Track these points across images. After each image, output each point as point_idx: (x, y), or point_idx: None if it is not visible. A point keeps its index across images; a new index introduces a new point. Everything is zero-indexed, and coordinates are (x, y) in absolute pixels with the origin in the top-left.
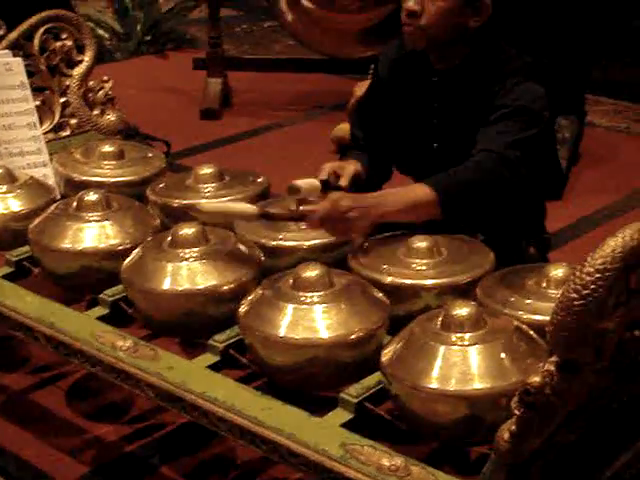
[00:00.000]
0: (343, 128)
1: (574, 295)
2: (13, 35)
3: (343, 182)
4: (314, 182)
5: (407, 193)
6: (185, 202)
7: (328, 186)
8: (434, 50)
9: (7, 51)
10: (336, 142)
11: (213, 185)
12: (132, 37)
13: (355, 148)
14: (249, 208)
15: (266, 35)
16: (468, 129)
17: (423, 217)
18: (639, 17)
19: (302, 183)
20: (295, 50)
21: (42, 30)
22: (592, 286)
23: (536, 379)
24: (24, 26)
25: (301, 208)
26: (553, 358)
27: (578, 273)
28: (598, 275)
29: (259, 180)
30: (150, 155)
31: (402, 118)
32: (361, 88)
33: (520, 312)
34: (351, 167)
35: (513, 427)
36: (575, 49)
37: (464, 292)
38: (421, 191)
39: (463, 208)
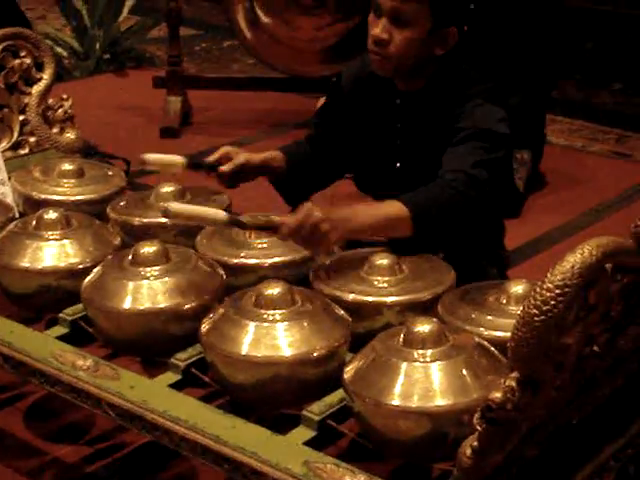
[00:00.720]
0: None
1: (534, 311)
2: None
3: (225, 167)
4: (171, 158)
5: (380, 209)
6: (146, 220)
7: (200, 166)
8: (399, 75)
9: None
10: None
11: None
12: (91, 55)
13: (308, 142)
14: (220, 214)
15: (225, 54)
16: (431, 150)
17: (394, 234)
18: (591, 39)
19: (152, 158)
20: (254, 69)
21: (0, 48)
22: (552, 302)
23: (497, 395)
24: None
25: (273, 218)
26: (514, 374)
27: (538, 289)
28: (558, 291)
29: (220, 198)
30: (110, 173)
31: (364, 137)
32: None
33: (481, 328)
34: (243, 156)
35: (475, 443)
36: (533, 73)
37: (425, 309)
38: (394, 208)
39: (433, 226)
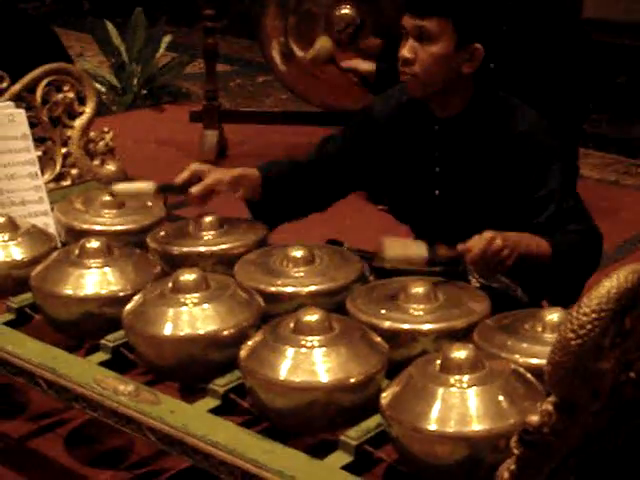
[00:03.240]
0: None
1: (571, 335)
2: (16, 87)
3: (194, 189)
4: (140, 185)
5: (536, 242)
6: (185, 250)
7: (170, 189)
8: (433, 98)
9: (10, 103)
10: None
11: (212, 233)
12: (129, 91)
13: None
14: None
15: (259, 89)
16: (470, 177)
17: (532, 265)
18: (623, 74)
19: (121, 187)
20: (287, 103)
21: (44, 82)
22: (588, 326)
23: (535, 418)
24: (27, 79)
25: (459, 247)
26: (551, 398)
27: (575, 314)
28: (594, 315)
29: (258, 228)
30: (149, 204)
31: (401, 165)
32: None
33: (517, 355)
34: (213, 177)
35: (513, 466)
36: (562, 106)
37: (461, 337)
38: (544, 245)
39: (560, 274)
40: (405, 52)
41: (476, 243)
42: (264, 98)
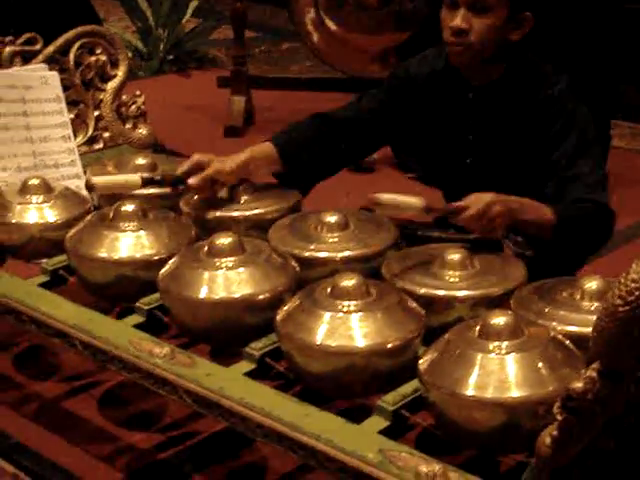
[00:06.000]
0: None
1: (619, 302)
2: (49, 50)
3: (192, 180)
4: (129, 177)
5: (538, 209)
6: (218, 214)
7: (152, 182)
8: (474, 66)
9: (43, 65)
10: None
11: (246, 198)
12: (155, 56)
13: (331, 121)
14: (417, 201)
15: (284, 56)
16: (503, 145)
17: (533, 233)
18: None
19: (99, 180)
20: (312, 70)
21: (77, 45)
22: (637, 293)
23: (578, 385)
24: (60, 41)
25: (454, 205)
26: (595, 365)
27: (623, 280)
28: None
29: (291, 194)
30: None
31: (434, 131)
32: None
33: (554, 323)
34: (213, 168)
35: (555, 432)
36: (594, 76)
37: (497, 304)
38: (547, 212)
39: (566, 241)
40: (460, 22)
41: (474, 203)
42: (289, 64)
